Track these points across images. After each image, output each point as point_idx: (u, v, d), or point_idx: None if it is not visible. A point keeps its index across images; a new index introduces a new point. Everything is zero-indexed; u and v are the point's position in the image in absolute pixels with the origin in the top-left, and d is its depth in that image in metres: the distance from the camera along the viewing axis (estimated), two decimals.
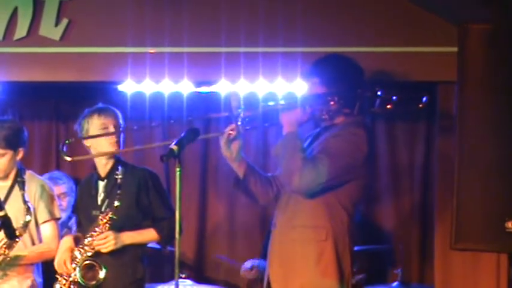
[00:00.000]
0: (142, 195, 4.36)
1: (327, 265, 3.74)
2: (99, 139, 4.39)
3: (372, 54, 4.79)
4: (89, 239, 4.32)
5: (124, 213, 4.36)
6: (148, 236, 4.43)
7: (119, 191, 4.28)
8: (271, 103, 3.87)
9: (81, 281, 4.31)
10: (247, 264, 5.27)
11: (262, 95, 4.93)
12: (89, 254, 4.31)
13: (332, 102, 3.80)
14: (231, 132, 3.87)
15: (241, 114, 3.78)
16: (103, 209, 4.38)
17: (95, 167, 4.51)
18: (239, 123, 3.80)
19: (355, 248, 3.88)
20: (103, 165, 4.44)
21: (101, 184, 4.44)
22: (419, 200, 5.63)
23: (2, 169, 4.44)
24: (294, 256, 3.79)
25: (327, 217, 3.77)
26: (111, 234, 4.29)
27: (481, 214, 4.15)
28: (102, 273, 4.30)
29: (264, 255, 4.41)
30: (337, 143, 3.75)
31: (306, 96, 3.88)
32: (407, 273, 5.35)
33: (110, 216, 4.31)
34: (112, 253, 4.31)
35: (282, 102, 3.85)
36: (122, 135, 4.47)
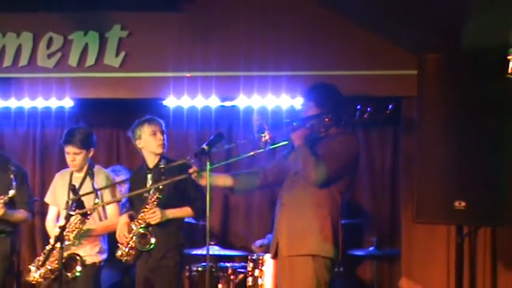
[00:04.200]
0: (180, 181, 4.57)
1: (326, 235, 4.16)
2: (150, 141, 4.73)
3: (353, 77, 5.30)
4: (142, 214, 4.69)
5: (166, 194, 4.69)
6: (185, 212, 4.79)
7: (163, 177, 4.60)
8: (291, 124, 4.22)
9: (137, 246, 4.72)
10: (258, 242, 5.62)
11: (271, 107, 5.44)
12: (142, 225, 4.70)
13: (327, 119, 4.26)
14: (194, 174, 4.20)
15: (264, 138, 4.12)
16: (151, 192, 4.70)
17: (144, 160, 4.88)
18: (264, 140, 4.10)
19: (343, 222, 4.27)
20: (152, 160, 4.84)
21: (149, 174, 4.82)
22: (389, 185, 6.10)
23: (77, 164, 4.93)
24: (301, 228, 4.16)
25: (328, 199, 4.19)
26: (158, 210, 4.67)
27: (436, 196, 4.50)
28: (153, 240, 4.69)
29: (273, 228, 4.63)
30: (338, 148, 4.19)
31: (306, 117, 4.30)
32: (381, 240, 5.75)
33: (157, 196, 4.67)
34: (159, 225, 4.70)
35: (295, 124, 4.23)
36: (166, 138, 4.82)
